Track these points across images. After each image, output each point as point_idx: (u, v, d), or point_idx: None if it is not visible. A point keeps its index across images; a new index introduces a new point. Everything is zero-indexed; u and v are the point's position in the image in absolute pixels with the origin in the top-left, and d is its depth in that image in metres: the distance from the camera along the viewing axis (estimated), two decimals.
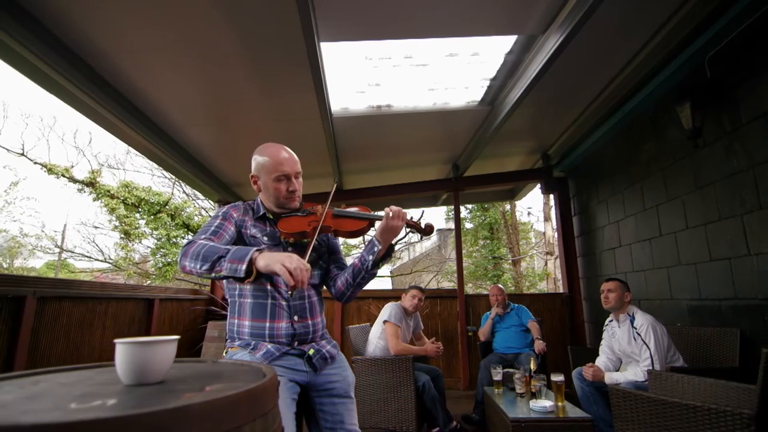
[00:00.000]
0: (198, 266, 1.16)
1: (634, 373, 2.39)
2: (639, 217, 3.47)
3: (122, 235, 8.84)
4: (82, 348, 2.62)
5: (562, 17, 2.47)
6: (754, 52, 2.31)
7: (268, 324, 1.34)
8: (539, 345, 3.38)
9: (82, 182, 8.47)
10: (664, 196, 3.13)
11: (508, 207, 10.26)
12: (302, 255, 1.24)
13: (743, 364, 2.31)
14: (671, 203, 3.04)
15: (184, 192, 10.91)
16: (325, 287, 1.56)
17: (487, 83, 3.29)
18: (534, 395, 2.59)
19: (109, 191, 8.32)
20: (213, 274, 1.16)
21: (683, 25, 2.56)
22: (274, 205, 1.48)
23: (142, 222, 8.74)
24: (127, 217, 8.53)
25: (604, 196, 4.05)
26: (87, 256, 10.05)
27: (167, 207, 8.68)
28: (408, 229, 1.44)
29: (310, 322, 1.40)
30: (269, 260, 1.11)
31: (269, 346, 1.32)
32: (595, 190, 4.23)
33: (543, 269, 9.86)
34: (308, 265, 1.12)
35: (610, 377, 2.48)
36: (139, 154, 4.37)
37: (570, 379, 2.71)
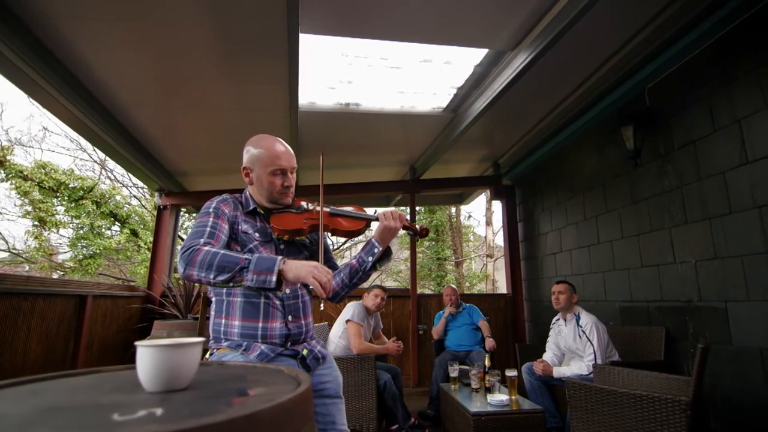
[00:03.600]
0: (212, 276, 1.10)
1: (579, 367, 2.63)
2: (580, 225, 3.82)
3: (36, 223, 7.75)
4: (3, 350, 2.29)
5: (531, 38, 2.65)
6: (687, 87, 2.66)
7: (261, 324, 1.28)
8: (489, 342, 3.57)
9: None
10: (603, 207, 3.48)
11: (453, 210, 10.71)
12: (314, 257, 1.23)
13: (667, 358, 2.66)
14: (609, 214, 3.39)
15: (109, 177, 9.91)
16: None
17: (454, 91, 3.41)
18: (488, 390, 2.75)
19: (21, 172, 7.22)
20: (231, 284, 1.12)
21: (629, 57, 2.88)
22: (266, 199, 1.41)
23: (61, 208, 7.74)
24: (43, 202, 7.48)
25: (549, 205, 4.39)
26: None
27: (92, 193, 7.77)
28: (405, 231, 1.46)
29: (303, 322, 1.37)
30: (298, 271, 1.11)
31: (263, 347, 1.26)
32: (540, 199, 4.57)
33: (482, 270, 10.42)
34: (331, 273, 1.12)
35: (558, 371, 2.71)
36: (70, 130, 3.89)
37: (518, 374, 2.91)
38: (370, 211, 1.51)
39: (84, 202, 7.57)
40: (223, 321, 1.31)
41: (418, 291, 4.95)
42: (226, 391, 0.70)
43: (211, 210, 1.32)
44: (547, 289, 4.34)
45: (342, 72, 3.03)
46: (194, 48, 2.64)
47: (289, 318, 1.33)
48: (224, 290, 1.33)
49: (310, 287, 1.49)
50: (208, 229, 1.24)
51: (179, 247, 5.91)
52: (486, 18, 2.51)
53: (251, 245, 1.33)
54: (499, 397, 2.53)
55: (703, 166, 2.51)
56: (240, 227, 1.35)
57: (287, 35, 2.24)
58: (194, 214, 10.59)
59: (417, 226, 1.49)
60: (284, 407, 0.57)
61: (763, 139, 2.15)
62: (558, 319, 2.97)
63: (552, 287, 2.94)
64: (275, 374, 0.84)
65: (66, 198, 7.48)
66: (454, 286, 4.40)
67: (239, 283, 1.11)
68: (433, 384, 3.46)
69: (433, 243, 10.23)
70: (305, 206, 1.45)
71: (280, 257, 1.13)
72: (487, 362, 3.02)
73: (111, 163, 9.56)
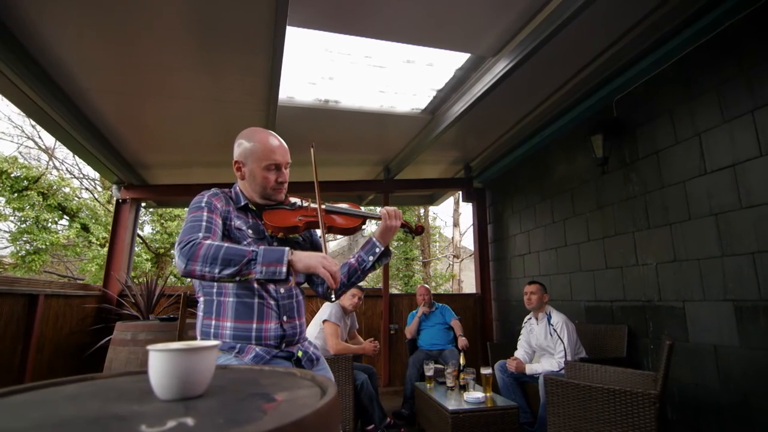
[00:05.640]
0: (216, 270, 1.05)
1: (550, 364, 2.74)
2: (548, 228, 3.98)
3: None
4: None
5: (512, 46, 2.73)
6: (653, 101, 2.84)
7: (255, 325, 1.23)
8: (462, 341, 3.64)
9: None
10: (570, 211, 3.64)
11: (422, 211, 10.86)
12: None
13: (629, 354, 2.83)
14: (577, 218, 3.56)
15: (56, 167, 9.19)
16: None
17: (434, 93, 3.45)
18: (463, 388, 2.80)
19: None
20: (238, 278, 1.07)
21: (600, 69, 3.03)
22: (258, 195, 1.36)
23: (2, 199, 7.02)
24: None
25: (518, 207, 4.54)
26: None
27: (38, 184, 7.12)
28: (401, 229, 1.46)
29: (297, 322, 1.33)
30: (308, 261, 1.09)
31: (257, 349, 1.21)
32: (510, 202, 4.72)
33: (448, 271, 10.62)
34: (338, 264, 1.10)
35: (531, 368, 2.81)
36: (15, 114, 3.56)
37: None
38: None
39: (28, 193, 6.92)
40: (213, 322, 1.24)
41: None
42: (248, 396, 0.66)
43: (203, 204, 1.25)
44: (515, 289, 4.50)
45: (324, 68, 2.98)
46: (166, 33, 2.50)
47: (284, 318, 1.28)
48: (214, 290, 1.26)
49: (303, 286, 1.46)
50: (204, 223, 1.18)
51: (132, 245, 5.42)
52: (471, 23, 2.56)
53: (245, 242, 1.28)
54: (475, 395, 2.58)
55: (665, 175, 2.69)
56: (233, 223, 1.29)
57: (274, 27, 2.17)
58: (151, 210, 10.04)
59: (412, 224, 1.49)
60: (323, 412, 0.55)
61: (720, 152, 2.34)
62: (530, 318, 3.08)
63: (524, 287, 3.05)
64: (289, 377, 0.81)
65: (8, 188, 6.81)
66: (427, 286, 4.45)
67: (246, 277, 1.07)
68: (407, 383, 3.48)
69: (402, 243, 10.33)
70: (299, 203, 1.42)
71: (287, 248, 1.10)
72: (462, 360, 3.08)
73: (60, 152, 8.86)
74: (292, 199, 1.43)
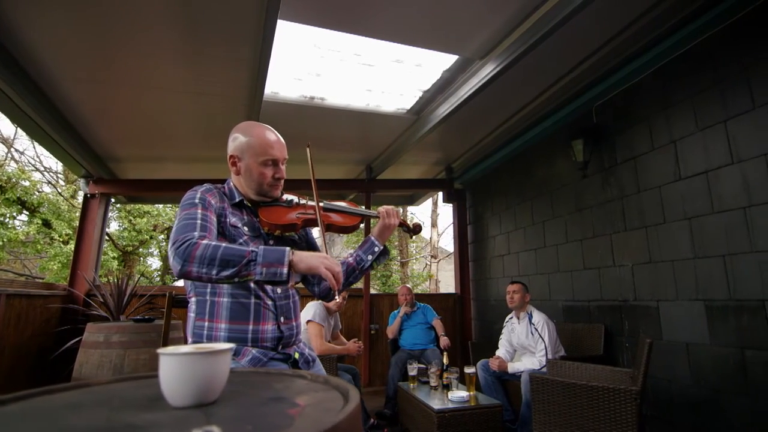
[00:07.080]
0: (214, 272, 1.01)
1: (531, 363, 2.80)
2: (527, 230, 4.07)
3: None
4: None
5: (500, 50, 2.77)
6: (631, 109, 2.96)
7: (251, 327, 1.19)
8: (444, 341, 3.68)
9: None
10: (550, 213, 3.74)
11: (400, 211, 10.92)
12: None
13: (606, 352, 2.93)
14: (556, 220, 3.66)
15: (15, 159, 8.63)
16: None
17: (420, 94, 3.46)
18: (446, 387, 2.82)
19: None
20: (236, 279, 1.03)
21: (581, 77, 3.13)
22: (253, 191, 1.32)
23: None
24: None
25: (498, 209, 4.63)
26: None
27: None
28: (399, 227, 1.45)
29: (294, 323, 1.30)
30: (310, 261, 1.05)
31: (254, 351, 1.17)
32: (491, 203, 4.80)
33: (426, 271, 10.70)
34: (340, 264, 1.07)
35: (513, 367, 2.86)
36: None
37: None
38: None
39: None
40: (207, 324, 1.19)
41: None
42: (267, 401, 0.63)
43: (197, 201, 1.20)
44: (494, 289, 4.58)
45: (312, 64, 2.93)
46: (147, 20, 2.39)
47: (281, 319, 1.25)
48: (208, 290, 1.21)
49: (299, 286, 1.43)
50: (199, 221, 1.13)
51: (101, 242, 5.17)
52: (462, 26, 2.58)
53: (240, 240, 1.24)
54: (460, 394, 2.61)
55: (642, 180, 2.81)
56: (228, 220, 1.25)
57: (264, 20, 2.11)
58: (118, 206, 9.60)
59: (409, 223, 1.49)
60: (353, 416, 0.54)
61: (693, 159, 2.46)
62: (511, 317, 3.14)
63: (507, 287, 3.10)
64: (301, 380, 0.78)
65: None
66: (409, 286, 4.46)
67: (245, 279, 1.03)
68: (389, 383, 3.47)
69: None
70: (296, 200, 1.38)
71: (288, 248, 1.06)
72: (446, 360, 3.10)
73: (20, 143, 8.32)
74: (288, 197, 1.40)
